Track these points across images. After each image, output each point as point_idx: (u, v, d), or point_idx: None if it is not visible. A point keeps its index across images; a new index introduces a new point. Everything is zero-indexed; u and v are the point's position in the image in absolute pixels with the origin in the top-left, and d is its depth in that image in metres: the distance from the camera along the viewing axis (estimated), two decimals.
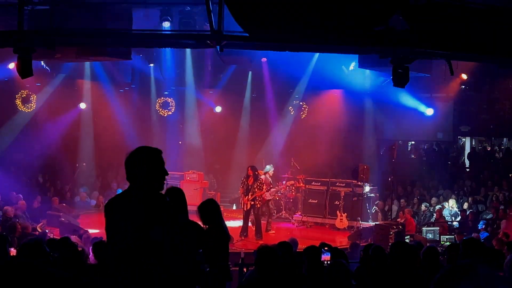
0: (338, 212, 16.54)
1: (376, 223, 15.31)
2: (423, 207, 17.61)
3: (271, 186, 15.58)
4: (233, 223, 15.90)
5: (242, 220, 15.00)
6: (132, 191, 4.03)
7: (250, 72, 21.31)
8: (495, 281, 1.74)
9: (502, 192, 17.85)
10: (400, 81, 9.62)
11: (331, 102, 21.87)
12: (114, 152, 19.03)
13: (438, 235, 14.56)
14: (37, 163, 19.25)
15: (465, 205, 17.78)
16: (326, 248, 7.49)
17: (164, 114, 21.90)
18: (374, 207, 17.09)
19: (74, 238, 10.49)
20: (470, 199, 18.19)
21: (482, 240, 12.46)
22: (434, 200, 18.28)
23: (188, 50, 19.07)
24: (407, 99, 20.08)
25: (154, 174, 4.03)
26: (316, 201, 17.32)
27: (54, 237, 12.09)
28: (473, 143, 25.13)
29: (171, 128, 22.27)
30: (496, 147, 24.77)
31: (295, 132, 21.56)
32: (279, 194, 17.36)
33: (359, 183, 16.66)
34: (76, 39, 10.42)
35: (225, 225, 6.91)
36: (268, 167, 15.73)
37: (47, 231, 13.26)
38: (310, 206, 17.28)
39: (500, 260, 7.83)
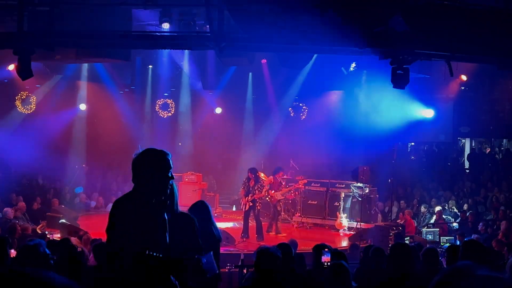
0: (338, 213, 16.54)
1: (376, 224, 15.32)
2: (422, 208, 17.61)
3: (282, 186, 15.57)
4: (225, 224, 15.91)
5: (241, 222, 15.01)
6: (136, 193, 4.00)
7: (250, 74, 21.30)
8: (495, 283, 1.73)
9: (502, 193, 17.86)
10: (400, 82, 9.63)
11: (330, 103, 21.88)
12: (114, 154, 19.04)
13: (438, 236, 14.57)
14: (37, 164, 19.24)
15: (465, 206, 17.78)
16: (326, 250, 7.49)
17: (164, 116, 21.90)
18: (374, 208, 17.08)
19: (74, 239, 10.49)
20: (470, 200, 18.19)
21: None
22: (434, 201, 18.28)
23: (188, 51, 19.06)
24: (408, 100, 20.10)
25: (158, 177, 3.98)
26: (316, 202, 17.32)
27: (54, 238, 12.10)
28: (473, 144, 25.13)
29: (171, 130, 22.27)
30: (496, 148, 24.78)
31: (295, 133, 21.55)
32: (291, 194, 17.23)
33: (359, 184, 16.66)
34: (75, 40, 10.43)
35: (215, 227, 6.91)
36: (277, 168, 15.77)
37: (46, 232, 13.26)
38: (309, 207, 17.28)
39: (500, 261, 7.86)
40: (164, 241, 3.94)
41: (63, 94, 19.31)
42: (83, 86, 19.57)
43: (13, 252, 8.24)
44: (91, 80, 19.19)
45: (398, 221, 15.94)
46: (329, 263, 6.76)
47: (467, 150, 24.53)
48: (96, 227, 13.89)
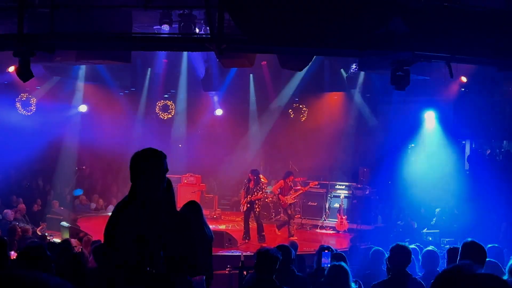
0: (338, 214, 16.54)
1: (376, 226, 15.33)
2: (423, 209, 17.59)
3: (292, 190, 15.56)
4: (223, 226, 15.91)
5: (240, 224, 15.02)
6: (132, 193, 4.00)
7: (251, 75, 21.31)
8: (495, 284, 1.74)
9: (502, 195, 17.81)
10: (401, 84, 9.63)
11: (331, 104, 21.90)
12: (114, 155, 19.04)
13: (438, 238, 14.57)
14: (37, 166, 19.25)
15: None
16: (326, 251, 7.49)
17: (164, 117, 21.91)
18: (374, 209, 17.09)
19: (74, 241, 10.50)
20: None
21: None
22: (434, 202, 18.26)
23: (187, 53, 19.05)
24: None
25: (152, 177, 3.98)
26: (316, 203, 17.33)
27: (54, 240, 12.10)
28: (473, 146, 25.09)
29: (171, 131, 22.27)
30: (497, 150, 24.74)
31: (295, 135, 21.56)
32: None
33: (359, 185, 16.67)
34: (76, 42, 10.44)
35: (207, 227, 6.92)
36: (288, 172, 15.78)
37: (46, 234, 13.26)
38: (309, 209, 17.29)
39: None
40: (159, 242, 3.93)
41: (63, 95, 19.32)
42: (83, 88, 19.56)
43: (13, 254, 8.25)
44: (91, 81, 19.18)
45: (398, 222, 15.95)
46: (328, 265, 6.76)
47: (467, 152, 24.49)
48: (96, 228, 13.87)
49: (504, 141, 24.23)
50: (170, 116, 21.89)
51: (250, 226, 14.78)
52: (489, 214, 16.95)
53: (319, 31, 8.89)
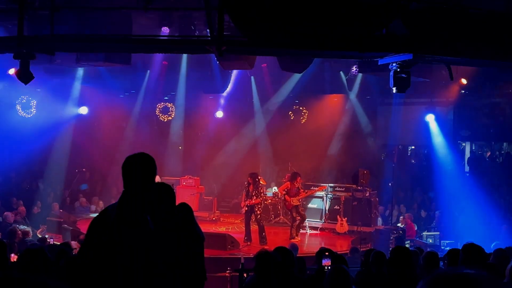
0: (338, 216, 16.53)
1: (376, 228, 15.32)
2: (423, 212, 17.60)
3: (300, 191, 15.56)
4: (221, 229, 15.88)
5: (240, 226, 15.02)
6: (124, 200, 3.99)
7: (252, 77, 21.32)
8: (486, 283, 1.73)
9: (502, 198, 17.84)
10: (401, 86, 9.62)
11: (331, 106, 21.91)
12: (114, 157, 19.01)
13: (438, 240, 14.57)
14: (37, 168, 19.25)
15: None
16: (326, 254, 7.49)
17: (164, 119, 21.91)
18: (374, 211, 17.08)
19: (74, 243, 10.50)
20: None
21: None
22: (434, 204, 18.27)
23: (188, 55, 19.05)
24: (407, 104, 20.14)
25: (139, 182, 3.99)
26: (316, 205, 17.33)
27: (55, 243, 12.10)
28: (473, 148, 25.10)
29: (171, 133, 22.27)
30: (497, 152, 24.74)
31: (295, 137, 21.56)
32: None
33: (359, 187, 16.66)
34: (76, 44, 10.44)
35: (198, 227, 6.90)
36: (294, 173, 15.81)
37: (47, 236, 13.25)
38: (309, 211, 17.28)
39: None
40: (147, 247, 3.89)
41: (63, 97, 19.30)
42: (84, 90, 19.55)
43: (13, 256, 8.24)
44: (92, 84, 19.18)
45: (398, 224, 15.94)
46: (329, 267, 6.76)
47: (467, 154, 24.51)
48: None
49: (504, 143, 24.22)
50: (170, 118, 21.89)
51: (251, 228, 14.78)
52: (489, 216, 16.94)
53: (319, 33, 8.89)
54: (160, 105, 21.81)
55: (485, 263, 6.05)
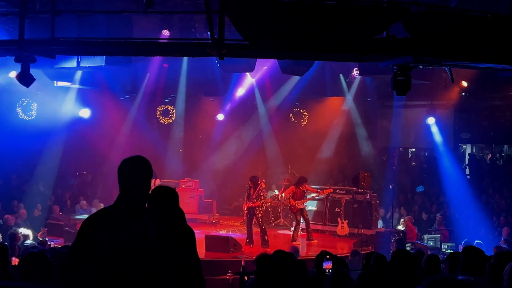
0: (339, 219, 16.52)
1: (377, 230, 15.30)
2: (424, 214, 17.59)
3: (305, 195, 15.57)
4: (221, 231, 15.88)
5: (240, 229, 15.02)
6: (119, 204, 3.99)
7: (253, 80, 21.33)
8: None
9: (503, 200, 17.83)
10: (402, 89, 9.63)
11: (331, 109, 21.91)
12: (115, 160, 18.98)
13: (439, 243, 14.55)
14: (38, 171, 19.23)
15: None
16: (327, 257, 7.49)
17: (165, 122, 21.91)
18: (374, 214, 17.06)
19: None
20: None
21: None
22: (435, 207, 18.26)
23: (188, 58, 19.06)
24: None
25: (136, 186, 4.00)
26: (316, 208, 17.31)
27: (56, 245, 12.09)
28: (474, 150, 25.11)
29: (172, 136, 22.27)
30: (497, 154, 24.76)
31: (295, 139, 21.57)
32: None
33: (360, 190, 16.65)
34: (76, 48, 10.45)
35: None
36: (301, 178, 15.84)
37: (47, 239, 13.25)
38: (310, 214, 17.25)
39: None
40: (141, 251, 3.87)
41: (65, 100, 19.29)
42: (84, 93, 19.57)
43: (14, 260, 8.24)
44: (92, 86, 19.18)
45: (399, 227, 15.92)
46: (330, 270, 6.76)
47: (467, 156, 24.51)
48: None
49: (505, 146, 24.23)
50: (170, 120, 21.91)
51: (253, 231, 14.78)
52: (490, 219, 16.95)
53: (319, 35, 8.90)
54: (160, 108, 21.81)
55: (486, 266, 6.04)
